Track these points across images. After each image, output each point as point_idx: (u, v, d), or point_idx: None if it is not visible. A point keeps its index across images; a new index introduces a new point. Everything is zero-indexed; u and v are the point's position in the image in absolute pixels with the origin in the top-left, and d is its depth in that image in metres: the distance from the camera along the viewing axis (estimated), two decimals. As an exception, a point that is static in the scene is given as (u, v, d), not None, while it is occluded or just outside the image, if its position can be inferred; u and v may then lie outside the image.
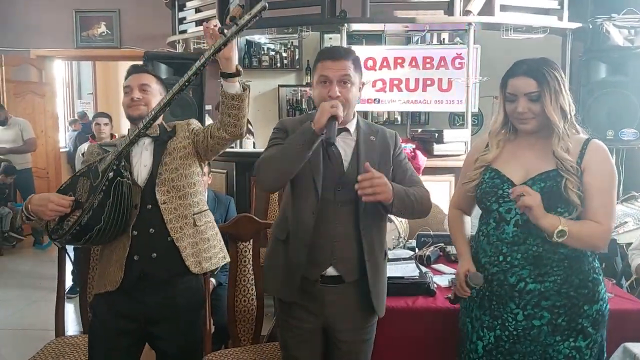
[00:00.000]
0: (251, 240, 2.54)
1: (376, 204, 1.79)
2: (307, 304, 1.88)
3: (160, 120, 2.06)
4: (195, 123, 2.11)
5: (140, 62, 2.10)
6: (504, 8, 4.13)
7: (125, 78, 2.11)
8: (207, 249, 2.05)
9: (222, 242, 2.16)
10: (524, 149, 1.78)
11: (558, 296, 1.70)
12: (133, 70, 2.11)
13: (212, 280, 3.00)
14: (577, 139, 1.72)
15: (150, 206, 1.95)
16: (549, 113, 1.67)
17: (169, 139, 2.02)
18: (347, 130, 1.89)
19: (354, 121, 1.92)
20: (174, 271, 1.98)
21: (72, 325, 3.82)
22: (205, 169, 3.22)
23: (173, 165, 2.00)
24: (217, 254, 2.10)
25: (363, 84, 1.92)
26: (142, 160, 2.00)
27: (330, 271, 1.86)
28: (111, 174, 1.86)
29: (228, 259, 2.19)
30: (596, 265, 1.75)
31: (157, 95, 2.05)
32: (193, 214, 2.02)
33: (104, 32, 7.00)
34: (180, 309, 2.01)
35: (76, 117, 8.90)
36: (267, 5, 1.68)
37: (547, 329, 1.71)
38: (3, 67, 6.70)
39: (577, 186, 1.66)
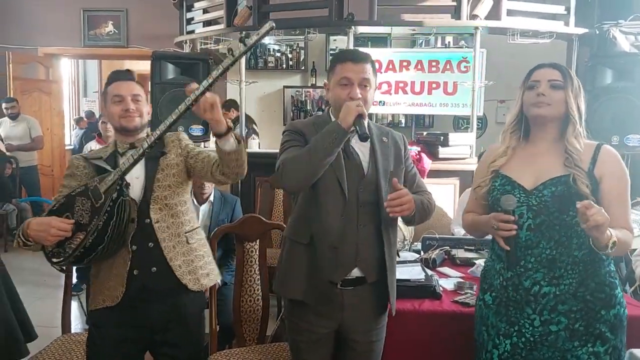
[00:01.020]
0: (257, 241, 2.55)
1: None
2: (320, 307, 1.88)
3: (147, 130, 2.05)
4: (185, 139, 2.08)
5: (124, 68, 2.17)
6: (510, 13, 4.14)
7: (109, 83, 2.04)
8: (203, 265, 2.05)
9: (212, 258, 2.16)
10: (535, 155, 1.79)
11: (574, 300, 1.70)
12: (119, 77, 2.05)
13: (218, 280, 3.01)
14: (589, 143, 1.75)
15: (148, 220, 1.94)
16: (570, 103, 1.71)
17: (162, 155, 1.99)
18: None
19: (366, 123, 1.94)
20: (174, 288, 1.97)
21: (76, 322, 3.84)
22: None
23: (166, 183, 1.98)
24: (213, 270, 2.11)
25: (380, 85, 1.94)
26: (133, 173, 1.93)
27: (355, 272, 1.87)
28: (115, 194, 1.83)
29: (219, 275, 2.20)
30: (612, 269, 1.74)
31: (146, 105, 2.03)
32: (185, 232, 2.02)
33: (111, 31, 7.04)
34: (186, 314, 2.01)
35: (82, 116, 8.92)
36: (274, 25, 1.72)
37: (564, 335, 1.70)
38: (11, 65, 6.74)
39: (585, 180, 1.67)
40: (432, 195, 2.00)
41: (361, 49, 2.01)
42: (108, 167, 1.92)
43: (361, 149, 1.90)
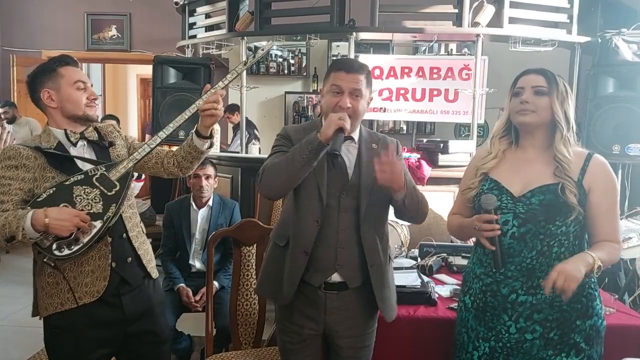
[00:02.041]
0: (255, 245, 2.55)
1: (377, 207, 1.85)
2: (307, 309, 1.89)
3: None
4: (121, 131, 2.09)
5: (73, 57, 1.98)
6: (512, 20, 4.14)
7: (59, 65, 1.89)
8: (151, 251, 2.07)
9: None
10: (525, 161, 1.78)
11: (550, 309, 1.69)
12: (70, 62, 1.93)
13: (215, 283, 3.02)
14: (579, 152, 1.74)
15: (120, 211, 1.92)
16: (555, 109, 1.70)
17: (110, 145, 1.97)
18: (351, 138, 1.91)
19: (357, 130, 1.95)
20: (140, 279, 1.97)
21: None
22: (211, 171, 3.24)
23: (120, 174, 1.90)
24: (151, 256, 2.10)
25: (371, 98, 1.95)
26: (86, 164, 1.88)
27: (335, 277, 1.87)
28: (128, 182, 1.86)
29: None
30: (592, 280, 1.72)
31: None
32: (139, 222, 2.03)
33: (114, 35, 7.08)
34: (153, 304, 2.01)
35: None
36: (275, 45, 1.82)
37: (539, 343, 1.70)
38: (15, 68, 6.78)
39: (574, 189, 1.66)
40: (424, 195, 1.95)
41: (362, 56, 2.00)
42: (70, 155, 1.85)
43: (348, 156, 1.90)
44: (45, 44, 7.06)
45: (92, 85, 1.95)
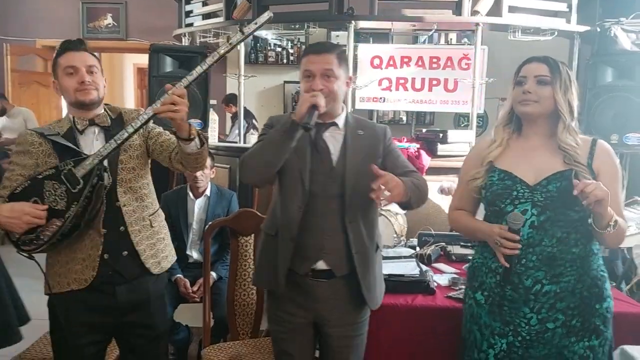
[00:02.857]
0: (252, 235, 2.54)
1: (362, 194, 1.79)
2: (297, 297, 1.88)
3: (102, 105, 1.94)
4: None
5: (73, 39, 1.94)
6: (512, 9, 4.12)
7: (59, 54, 1.88)
8: (163, 248, 2.02)
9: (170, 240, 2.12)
10: (531, 150, 1.76)
11: (572, 297, 1.69)
12: (70, 47, 1.88)
13: (213, 274, 3.00)
14: (584, 138, 1.73)
15: (117, 203, 1.88)
16: (558, 99, 1.68)
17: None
18: (335, 124, 1.89)
19: (343, 116, 1.92)
20: (139, 273, 1.93)
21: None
22: (208, 161, 3.22)
23: (130, 165, 1.91)
24: (171, 252, 2.08)
25: (350, 78, 1.92)
26: (94, 151, 1.84)
27: (321, 265, 1.86)
28: (95, 179, 1.76)
29: (175, 256, 2.14)
30: (601, 263, 1.74)
31: (102, 77, 1.92)
32: (149, 215, 1.97)
33: (110, 24, 7.01)
34: (149, 298, 1.98)
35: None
36: (272, 15, 1.71)
37: (561, 331, 1.69)
38: (9, 57, 6.72)
39: (587, 174, 1.66)
40: (419, 173, 1.93)
41: (362, 45, 1.96)
42: (70, 144, 1.83)
43: (333, 142, 1.88)
44: (39, 33, 7.00)
45: (93, 67, 1.87)
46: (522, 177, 1.73)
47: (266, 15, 1.69)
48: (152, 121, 1.84)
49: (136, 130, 1.76)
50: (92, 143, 1.89)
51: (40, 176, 1.77)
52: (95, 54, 1.99)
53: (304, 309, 1.89)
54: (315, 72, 1.79)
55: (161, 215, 2.07)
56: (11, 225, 1.70)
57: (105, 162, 1.81)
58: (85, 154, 1.80)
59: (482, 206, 1.89)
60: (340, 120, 1.90)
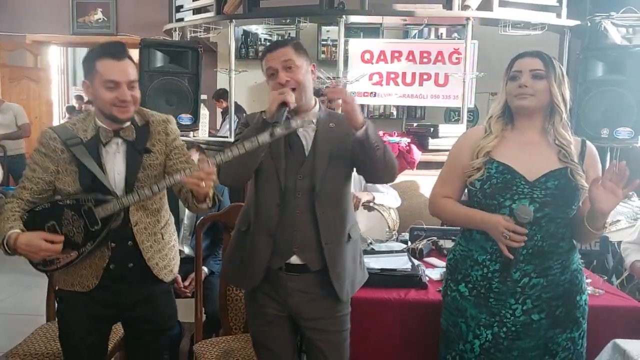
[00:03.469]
0: (244, 230, 2.53)
1: (334, 186, 1.83)
2: (270, 291, 1.88)
3: (133, 113, 1.84)
4: (173, 132, 1.93)
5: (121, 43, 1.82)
6: (502, 3, 4.12)
7: (98, 57, 1.75)
8: (174, 255, 2.02)
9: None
10: (527, 144, 1.77)
11: (557, 288, 1.71)
12: (111, 53, 1.75)
13: (205, 268, 2.99)
14: (574, 139, 1.76)
15: (129, 223, 1.86)
16: (554, 93, 1.70)
17: (146, 152, 1.86)
18: (310, 122, 1.87)
19: (315, 109, 1.90)
20: (147, 281, 1.92)
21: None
22: (197, 157, 3.20)
23: (147, 184, 1.85)
24: (177, 253, 2.06)
25: (314, 66, 1.91)
26: (115, 167, 1.83)
27: (295, 260, 1.86)
28: (112, 224, 1.79)
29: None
30: (579, 256, 1.80)
31: (138, 89, 1.83)
32: (160, 229, 1.95)
33: (100, 19, 6.96)
34: (155, 295, 1.97)
35: (74, 104, 8.82)
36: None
37: (546, 322, 1.71)
38: (-2, 52, 6.66)
39: (581, 172, 1.68)
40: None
41: (352, 40, 1.94)
42: (91, 167, 1.77)
43: (306, 137, 1.87)
44: (29, 28, 6.94)
45: (134, 82, 1.79)
46: (521, 172, 1.72)
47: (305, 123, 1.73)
48: (177, 136, 1.92)
49: (157, 192, 1.79)
50: (114, 155, 1.84)
51: (61, 203, 1.79)
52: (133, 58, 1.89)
53: (278, 303, 1.89)
54: (276, 66, 1.79)
55: (171, 223, 2.05)
56: (28, 256, 1.73)
57: (121, 186, 1.82)
58: (103, 169, 1.80)
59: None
60: (313, 115, 1.89)
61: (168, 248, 1.98)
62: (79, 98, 8.78)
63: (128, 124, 1.86)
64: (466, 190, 1.86)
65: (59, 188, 1.83)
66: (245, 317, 2.53)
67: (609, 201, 1.56)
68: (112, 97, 1.75)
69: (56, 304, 2.01)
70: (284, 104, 1.70)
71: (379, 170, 1.80)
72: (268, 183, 1.85)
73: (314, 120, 1.88)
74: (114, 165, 1.82)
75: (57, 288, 1.95)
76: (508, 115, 1.81)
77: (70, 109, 8.71)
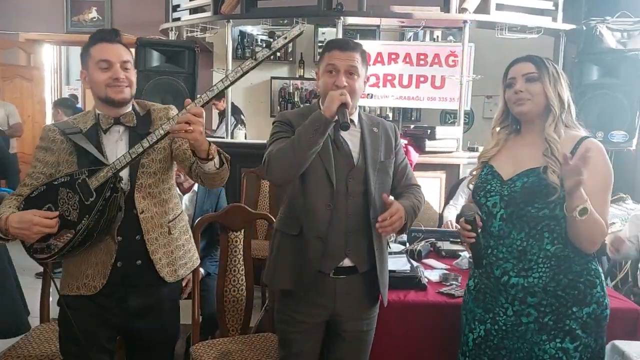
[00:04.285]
0: (242, 230, 2.52)
1: (383, 191, 1.87)
2: (314, 296, 1.87)
3: (131, 102, 1.84)
4: (173, 114, 1.85)
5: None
6: (499, 7, 4.14)
7: (92, 44, 1.76)
8: (182, 255, 1.94)
9: (194, 243, 2.07)
10: (521, 147, 1.79)
11: (544, 294, 1.68)
12: (105, 38, 1.76)
13: (201, 270, 2.98)
14: (572, 136, 1.72)
15: (134, 210, 1.79)
16: (548, 93, 1.71)
17: (148, 135, 1.73)
18: (351, 121, 1.88)
19: (356, 113, 1.93)
20: (152, 281, 1.86)
21: (56, 309, 3.77)
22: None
23: (152, 169, 1.81)
24: (191, 258, 2.02)
25: (368, 78, 1.94)
26: (118, 153, 1.76)
27: (346, 262, 1.87)
28: (108, 193, 1.67)
29: (198, 260, 2.11)
30: (592, 267, 1.71)
31: (134, 73, 1.82)
32: (168, 222, 1.88)
33: (94, 18, 6.91)
34: (162, 307, 1.91)
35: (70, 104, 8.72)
36: (303, 31, 1.64)
37: (533, 327, 1.70)
38: (-9, 50, 6.60)
39: (557, 170, 1.64)
40: (420, 188, 2.00)
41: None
42: (91, 150, 1.73)
43: (351, 139, 1.89)
44: (22, 26, 6.87)
45: (127, 63, 1.77)
46: (500, 172, 1.78)
47: (297, 30, 1.61)
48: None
49: (150, 147, 1.66)
50: (116, 143, 1.80)
51: (56, 182, 1.71)
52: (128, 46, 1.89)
53: (320, 307, 1.88)
54: (340, 67, 1.80)
55: (183, 220, 1.98)
56: (22, 236, 1.65)
57: (125, 172, 1.74)
58: (104, 157, 1.74)
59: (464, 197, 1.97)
60: (355, 118, 1.91)
61: (175, 246, 1.91)
62: (73, 97, 8.70)
63: (128, 109, 1.82)
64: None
65: None
66: (243, 318, 2.53)
67: (571, 179, 1.53)
68: (106, 77, 1.74)
69: (60, 313, 1.88)
70: (343, 104, 1.69)
71: None
72: (318, 185, 1.83)
73: (356, 123, 1.91)
74: (116, 152, 1.76)
75: (61, 294, 1.84)
76: (513, 121, 1.84)
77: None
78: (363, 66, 1.86)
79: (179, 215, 1.96)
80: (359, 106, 1.99)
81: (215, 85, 1.59)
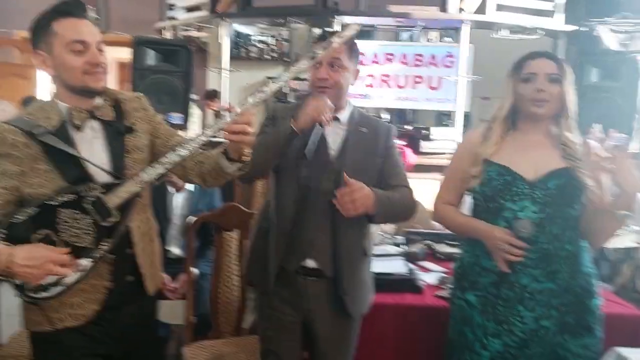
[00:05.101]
0: (237, 231, 2.47)
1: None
2: (287, 295, 1.83)
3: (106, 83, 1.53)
4: (150, 107, 1.64)
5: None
6: (499, 7, 4.11)
7: (53, 18, 1.43)
8: (158, 264, 1.71)
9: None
10: (530, 145, 1.73)
11: (567, 294, 1.67)
12: (72, 11, 1.44)
13: (195, 270, 2.93)
14: (582, 138, 1.70)
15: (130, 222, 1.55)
16: (567, 97, 1.66)
17: (127, 130, 1.54)
18: (337, 119, 1.84)
19: (347, 110, 1.87)
20: (139, 298, 1.63)
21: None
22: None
23: (134, 171, 1.52)
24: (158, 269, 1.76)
25: (358, 70, 1.87)
26: (95, 156, 1.49)
27: (310, 263, 1.81)
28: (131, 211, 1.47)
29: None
30: (590, 259, 1.73)
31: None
32: (149, 230, 1.65)
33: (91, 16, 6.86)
34: (149, 322, 1.75)
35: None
36: (359, 29, 1.58)
37: (555, 328, 1.67)
38: (-15, 48, 6.54)
39: (585, 171, 1.62)
40: (411, 192, 1.88)
41: None
42: (72, 150, 1.44)
43: (333, 137, 1.82)
44: (17, 25, 6.80)
45: (101, 44, 1.47)
46: (521, 173, 1.69)
47: (353, 29, 1.53)
48: (152, 109, 1.63)
49: (190, 152, 1.46)
50: (91, 142, 1.51)
51: (53, 202, 1.40)
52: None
53: (293, 307, 1.84)
54: (321, 59, 1.71)
55: (155, 226, 1.74)
56: (28, 276, 1.31)
57: (103, 175, 1.48)
58: (84, 159, 1.46)
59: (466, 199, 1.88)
60: (344, 115, 1.85)
61: (154, 255, 1.68)
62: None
63: (102, 101, 1.53)
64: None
65: (27, 194, 1.43)
66: (236, 319, 2.48)
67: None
68: (82, 62, 1.43)
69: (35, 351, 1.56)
70: (320, 124, 1.66)
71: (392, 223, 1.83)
72: (287, 180, 1.80)
73: (343, 121, 1.84)
74: (93, 153, 1.48)
75: (34, 330, 1.51)
76: (511, 116, 1.77)
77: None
78: (351, 60, 1.79)
79: (153, 222, 1.72)
80: (354, 106, 1.92)
81: (268, 86, 1.47)
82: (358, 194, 1.65)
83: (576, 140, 1.68)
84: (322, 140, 1.80)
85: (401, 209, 1.84)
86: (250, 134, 1.42)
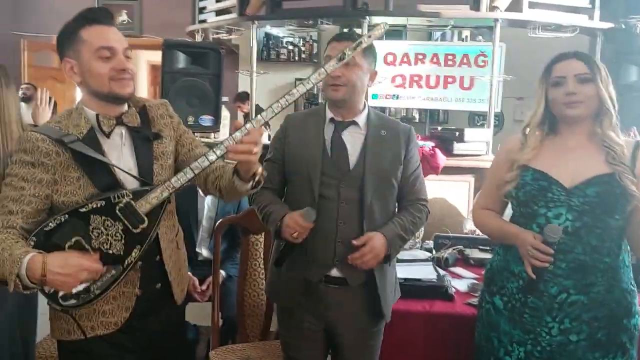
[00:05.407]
0: (263, 234, 2.47)
1: (382, 200, 1.78)
2: (308, 304, 1.80)
3: (133, 90, 1.53)
4: (176, 115, 1.65)
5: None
6: (532, 5, 4.00)
7: (81, 26, 1.45)
8: (185, 273, 1.72)
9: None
10: (569, 150, 1.66)
11: (601, 308, 1.59)
12: (99, 19, 1.46)
13: (222, 272, 2.94)
14: (627, 141, 1.62)
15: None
16: (603, 96, 1.58)
17: (155, 137, 1.56)
18: (355, 123, 1.80)
19: (364, 113, 1.82)
20: (168, 306, 1.64)
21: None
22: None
23: (162, 177, 1.53)
24: (187, 271, 1.79)
25: (375, 72, 1.83)
26: (123, 162, 1.50)
27: (334, 273, 1.77)
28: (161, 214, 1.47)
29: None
30: (631, 275, 1.64)
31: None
32: (175, 236, 1.66)
33: (125, 20, 6.98)
34: (178, 330, 1.77)
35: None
36: (387, 27, 1.54)
37: (585, 344, 1.59)
38: (25, 52, 6.73)
39: (631, 176, 1.55)
40: (426, 204, 1.86)
41: (375, 42, 1.83)
42: (103, 158, 1.44)
43: (352, 142, 1.78)
44: (55, 29, 6.87)
45: (128, 50, 1.49)
46: (558, 179, 1.62)
47: (381, 29, 1.49)
48: (177, 116, 1.65)
49: (217, 159, 1.44)
50: (119, 149, 1.51)
51: (85, 209, 1.40)
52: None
53: (315, 316, 1.81)
54: (334, 56, 1.67)
55: (181, 231, 1.75)
56: (61, 284, 1.32)
57: (132, 181, 1.49)
58: (114, 166, 1.46)
59: (508, 206, 1.81)
60: (361, 119, 1.81)
61: (182, 262, 1.70)
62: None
63: (126, 107, 1.55)
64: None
65: (60, 203, 1.44)
66: (263, 323, 2.48)
67: None
68: (109, 68, 1.44)
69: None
70: (292, 244, 1.68)
71: None
72: (299, 191, 1.77)
73: (361, 124, 1.80)
74: (121, 160, 1.50)
75: (67, 339, 1.51)
76: (550, 121, 1.71)
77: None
78: (364, 57, 1.74)
79: (180, 228, 1.74)
80: (370, 106, 1.87)
81: (296, 88, 1.45)
82: (369, 256, 1.67)
83: (620, 141, 1.59)
84: (341, 145, 1.77)
85: (413, 232, 1.83)
86: (256, 153, 1.39)
